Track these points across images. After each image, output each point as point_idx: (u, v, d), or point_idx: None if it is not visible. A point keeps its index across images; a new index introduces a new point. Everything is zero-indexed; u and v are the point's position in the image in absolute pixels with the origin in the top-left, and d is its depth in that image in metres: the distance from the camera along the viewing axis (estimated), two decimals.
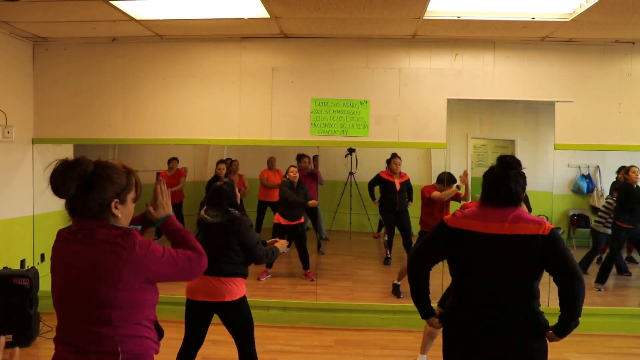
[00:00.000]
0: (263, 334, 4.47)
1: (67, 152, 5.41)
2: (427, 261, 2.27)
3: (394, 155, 6.40)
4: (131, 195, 1.75)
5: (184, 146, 6.20)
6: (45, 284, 4.79)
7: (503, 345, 2.07)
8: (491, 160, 8.45)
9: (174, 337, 3.39)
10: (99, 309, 1.62)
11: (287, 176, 6.06)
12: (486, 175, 2.28)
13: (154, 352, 1.77)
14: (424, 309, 2.31)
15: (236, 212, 3.22)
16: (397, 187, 6.37)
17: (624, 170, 5.99)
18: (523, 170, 2.24)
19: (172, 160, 7.40)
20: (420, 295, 2.29)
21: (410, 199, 6.61)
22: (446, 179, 5.34)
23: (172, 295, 4.37)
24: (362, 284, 5.77)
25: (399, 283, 5.30)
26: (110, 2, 3.70)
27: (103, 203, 1.67)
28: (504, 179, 2.17)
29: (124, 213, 1.73)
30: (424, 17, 4.01)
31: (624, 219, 5.66)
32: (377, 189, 6.70)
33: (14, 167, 4.78)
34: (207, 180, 7.46)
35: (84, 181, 1.64)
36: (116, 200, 1.69)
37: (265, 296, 5.16)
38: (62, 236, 1.72)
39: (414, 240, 6.10)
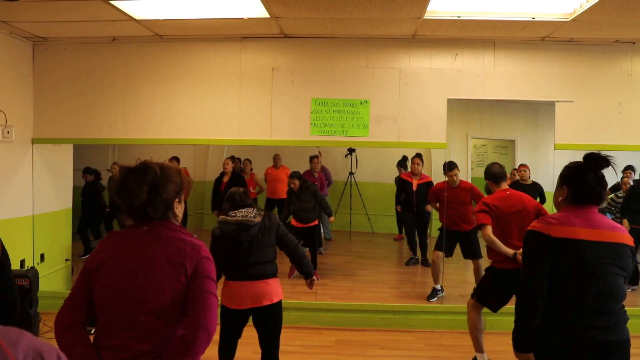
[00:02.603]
0: None
1: (67, 152, 5.42)
2: (544, 285, 2.05)
3: (416, 155, 6.38)
4: (183, 195, 1.81)
5: (184, 146, 6.19)
6: (45, 284, 4.79)
7: (611, 352, 2.03)
8: (491, 160, 8.48)
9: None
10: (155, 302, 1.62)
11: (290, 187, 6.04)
12: (578, 172, 2.12)
13: None
14: (528, 341, 2.08)
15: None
16: (414, 187, 6.36)
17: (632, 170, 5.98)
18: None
19: (172, 160, 7.40)
20: (531, 326, 2.07)
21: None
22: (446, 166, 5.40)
23: None
24: (362, 284, 5.77)
25: (439, 287, 5.30)
26: (110, 1, 3.70)
27: (167, 203, 1.71)
28: (602, 178, 2.11)
29: (181, 211, 1.79)
30: (424, 17, 4.01)
31: (630, 218, 5.69)
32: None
33: (14, 167, 4.77)
34: (207, 180, 7.46)
35: (154, 185, 1.68)
36: (176, 199, 1.75)
37: None
38: (122, 234, 1.72)
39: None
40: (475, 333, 3.76)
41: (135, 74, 4.86)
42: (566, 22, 4.02)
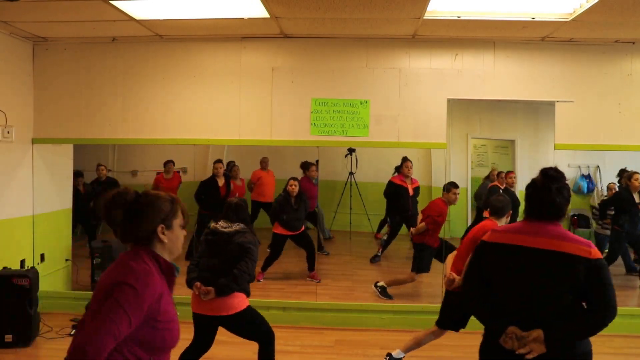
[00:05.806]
0: None
1: (67, 152, 5.42)
2: (479, 286, 2.21)
3: (405, 159, 6.42)
4: (177, 222, 1.84)
5: (184, 146, 6.19)
6: (45, 284, 4.79)
7: None
8: (491, 160, 8.47)
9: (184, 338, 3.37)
10: None
11: (287, 189, 5.93)
12: (529, 188, 2.20)
13: None
14: (497, 327, 2.14)
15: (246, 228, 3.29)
16: (411, 192, 6.42)
17: (626, 176, 5.99)
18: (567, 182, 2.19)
19: (169, 163, 7.37)
20: (485, 316, 2.21)
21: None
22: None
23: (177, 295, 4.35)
24: (362, 284, 5.77)
25: (387, 286, 5.34)
26: (110, 2, 3.70)
27: (149, 229, 1.77)
28: (549, 194, 2.12)
29: (171, 238, 1.82)
30: (424, 17, 4.01)
31: (621, 223, 5.74)
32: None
33: (14, 167, 4.77)
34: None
35: (128, 209, 1.75)
36: (162, 225, 1.79)
37: (266, 296, 5.16)
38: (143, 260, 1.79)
39: None
40: (415, 343, 3.84)
41: (135, 74, 4.86)
42: (566, 22, 4.02)
